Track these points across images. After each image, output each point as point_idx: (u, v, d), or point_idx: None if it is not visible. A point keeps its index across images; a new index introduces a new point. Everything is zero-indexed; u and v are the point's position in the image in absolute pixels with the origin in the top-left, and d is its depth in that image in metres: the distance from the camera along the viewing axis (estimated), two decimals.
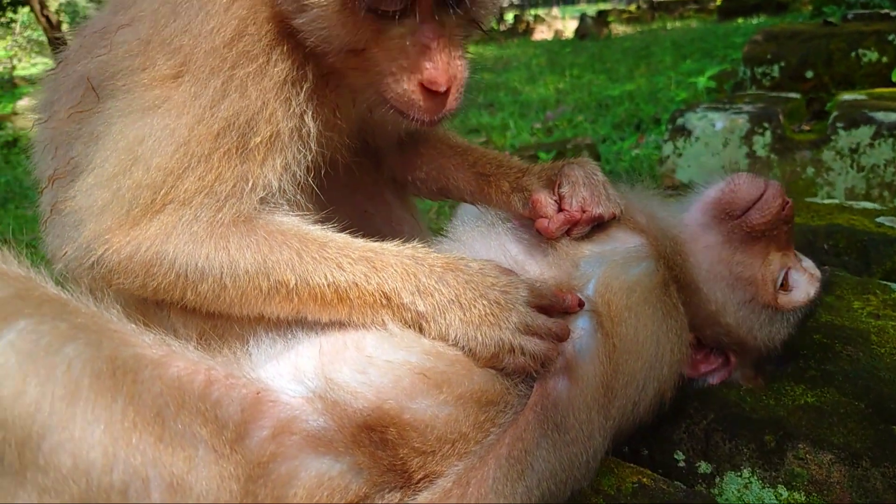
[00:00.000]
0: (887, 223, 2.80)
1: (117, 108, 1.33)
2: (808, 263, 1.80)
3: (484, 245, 1.72)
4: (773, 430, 1.65)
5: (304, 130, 1.37)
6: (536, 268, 1.63)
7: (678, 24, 18.18)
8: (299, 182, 1.41)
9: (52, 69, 1.67)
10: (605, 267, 1.57)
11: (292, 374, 1.33)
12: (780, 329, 1.72)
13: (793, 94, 5.11)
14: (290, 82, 1.34)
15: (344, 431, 1.25)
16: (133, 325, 1.25)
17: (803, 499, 1.57)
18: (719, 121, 4.59)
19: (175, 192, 1.29)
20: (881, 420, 1.64)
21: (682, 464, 1.72)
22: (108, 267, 1.29)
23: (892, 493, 1.50)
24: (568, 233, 1.63)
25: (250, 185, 1.32)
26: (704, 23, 17.47)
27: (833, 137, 4.22)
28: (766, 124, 4.46)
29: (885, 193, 4.05)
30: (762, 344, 1.73)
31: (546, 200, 1.62)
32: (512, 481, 1.27)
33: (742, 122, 4.52)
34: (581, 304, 1.45)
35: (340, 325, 1.39)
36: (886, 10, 6.32)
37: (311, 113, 1.38)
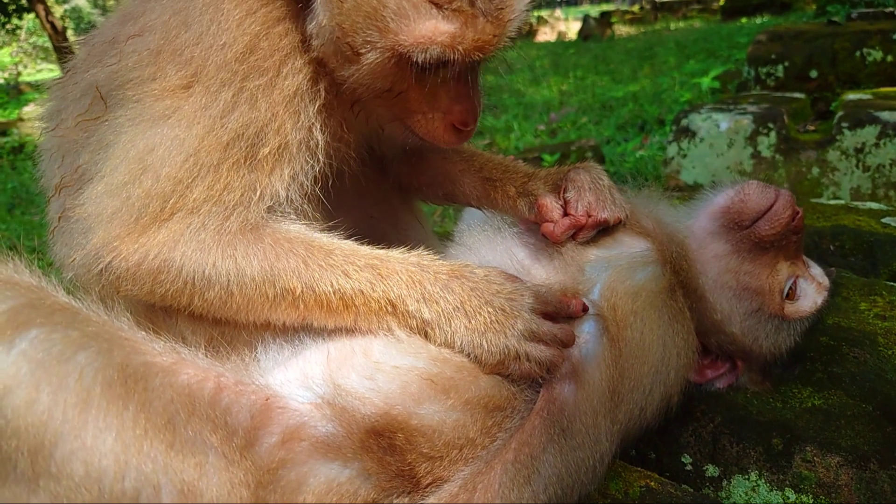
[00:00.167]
0: (893, 224, 2.79)
1: (127, 118, 1.35)
2: (816, 271, 1.79)
3: (490, 249, 1.72)
4: (780, 433, 1.65)
5: (312, 142, 1.40)
6: (542, 272, 1.64)
7: (681, 24, 18.15)
8: (306, 192, 1.42)
9: (59, 78, 1.69)
10: (610, 271, 1.57)
11: (301, 381, 1.34)
12: (787, 338, 1.71)
13: (797, 94, 5.10)
14: (299, 96, 1.36)
15: (352, 437, 1.25)
16: (143, 333, 1.26)
17: (811, 501, 1.57)
18: (724, 121, 4.58)
19: (184, 200, 1.30)
20: (889, 422, 1.63)
21: (689, 467, 1.73)
22: (116, 274, 1.31)
23: None
24: (573, 237, 1.63)
25: (258, 194, 1.34)
26: (708, 23, 17.44)
27: (838, 137, 4.21)
28: (770, 125, 4.45)
29: (891, 193, 4.03)
30: (768, 352, 1.72)
31: (551, 205, 1.63)
32: (518, 486, 1.28)
33: (747, 122, 4.51)
34: (585, 309, 1.45)
35: (348, 330, 1.40)
36: (891, 9, 6.30)
37: (319, 125, 1.40)
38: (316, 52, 1.35)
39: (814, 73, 5.48)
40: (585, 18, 18.57)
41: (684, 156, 4.68)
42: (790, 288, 1.70)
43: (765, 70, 5.68)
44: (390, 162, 1.92)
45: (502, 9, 1.27)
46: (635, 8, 23.31)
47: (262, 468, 1.17)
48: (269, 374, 1.36)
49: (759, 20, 14.81)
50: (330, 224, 1.49)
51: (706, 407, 1.75)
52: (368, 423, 1.26)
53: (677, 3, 21.35)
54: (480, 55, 1.29)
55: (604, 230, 1.66)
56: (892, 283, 2.33)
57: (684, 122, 4.71)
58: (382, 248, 1.42)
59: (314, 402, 1.29)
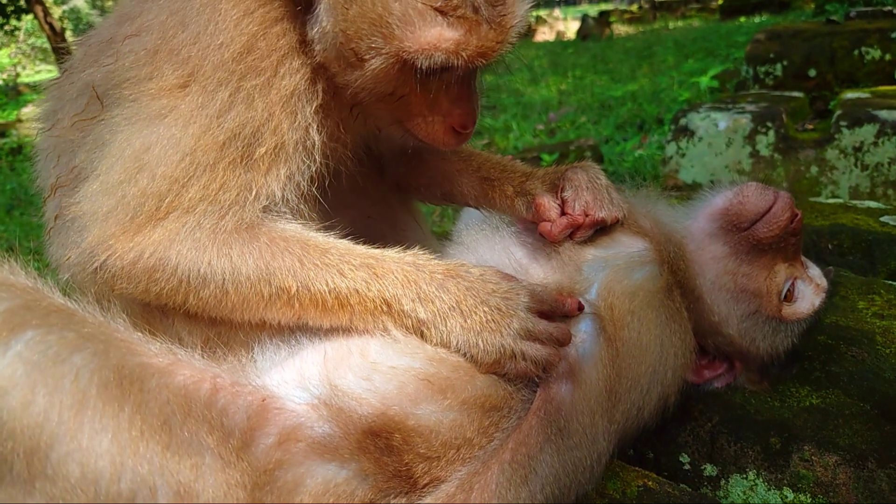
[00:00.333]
0: (892, 222, 2.79)
1: (123, 117, 1.35)
2: (814, 272, 1.78)
3: (488, 249, 1.72)
4: (778, 432, 1.65)
5: (308, 142, 1.40)
6: (540, 271, 1.64)
7: (680, 23, 18.15)
8: (302, 192, 1.42)
9: (56, 78, 1.69)
10: (608, 271, 1.57)
11: (297, 381, 1.34)
12: (784, 339, 1.71)
13: (796, 93, 5.10)
14: (296, 96, 1.36)
15: (349, 438, 1.25)
16: (139, 334, 1.26)
17: (809, 500, 1.57)
18: (722, 120, 4.58)
19: (179, 199, 1.30)
20: (887, 421, 1.63)
21: (687, 466, 1.72)
22: (112, 272, 1.31)
23: None
24: (571, 236, 1.63)
25: (253, 194, 1.34)
26: (706, 22, 17.44)
27: (837, 136, 4.21)
28: (769, 123, 4.45)
29: (890, 192, 4.03)
30: (765, 354, 1.72)
31: (549, 204, 1.63)
32: (515, 486, 1.27)
33: (745, 121, 4.51)
34: (581, 308, 1.45)
35: (345, 330, 1.40)
36: (889, 8, 6.30)
37: (316, 126, 1.40)
38: (318, 56, 1.35)
39: (812, 72, 5.48)
40: (584, 18, 18.56)
41: (683, 155, 4.68)
42: (788, 290, 1.70)
43: (763, 69, 5.68)
44: (388, 162, 1.92)
45: (505, 15, 1.28)
46: (634, 7, 23.31)
47: (258, 469, 1.17)
48: (265, 374, 1.36)
49: (757, 19, 14.81)
50: (327, 224, 1.49)
51: (704, 406, 1.75)
52: (365, 423, 1.26)
53: (676, 2, 21.34)
54: (483, 61, 1.31)
55: (601, 230, 1.66)
56: (890, 282, 2.33)
57: (683, 121, 4.71)
58: (378, 248, 1.42)
59: (311, 402, 1.29)
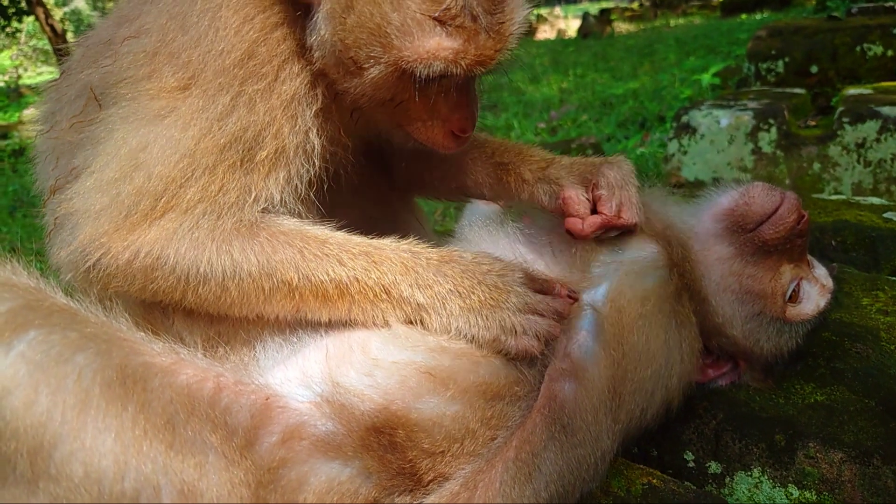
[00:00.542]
0: (895, 218, 2.79)
1: (120, 115, 1.35)
2: (820, 272, 1.76)
3: (492, 245, 1.71)
4: (783, 429, 1.64)
5: (308, 146, 1.40)
6: (545, 268, 1.63)
7: (681, 21, 18.12)
8: (300, 195, 1.42)
9: (55, 80, 1.68)
10: (619, 274, 1.55)
11: (300, 379, 1.34)
12: (788, 340, 1.70)
13: (798, 90, 5.09)
14: (297, 100, 1.37)
15: (352, 435, 1.25)
16: (142, 334, 1.26)
17: (814, 498, 1.57)
18: (724, 118, 4.57)
19: (177, 199, 1.30)
20: (892, 417, 1.62)
21: (691, 464, 1.72)
22: (106, 271, 1.30)
23: None
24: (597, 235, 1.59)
25: (252, 197, 1.35)
26: (707, 19, 17.41)
27: (839, 132, 4.20)
28: (771, 120, 4.44)
29: (893, 188, 4.02)
30: (769, 354, 1.71)
31: (579, 198, 1.58)
32: (520, 484, 1.27)
33: (747, 118, 4.50)
34: (571, 295, 1.45)
35: (346, 327, 1.40)
36: (891, 4, 6.28)
37: (316, 130, 1.41)
38: (317, 63, 1.36)
39: (814, 69, 5.46)
40: (585, 16, 18.53)
41: (685, 152, 4.68)
42: (793, 291, 1.68)
43: (765, 66, 5.66)
44: (398, 159, 1.90)
45: (503, 23, 1.28)
46: (635, 5, 23.28)
47: (262, 468, 1.17)
48: (268, 373, 1.36)
49: (758, 16, 14.78)
50: (328, 222, 1.49)
51: (708, 404, 1.75)
52: (368, 420, 1.26)
53: None
54: (482, 69, 1.31)
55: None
56: (894, 279, 2.32)
57: (685, 118, 4.71)
58: (374, 237, 1.43)
59: (314, 400, 1.29)
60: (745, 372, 1.80)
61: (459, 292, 1.37)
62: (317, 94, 1.40)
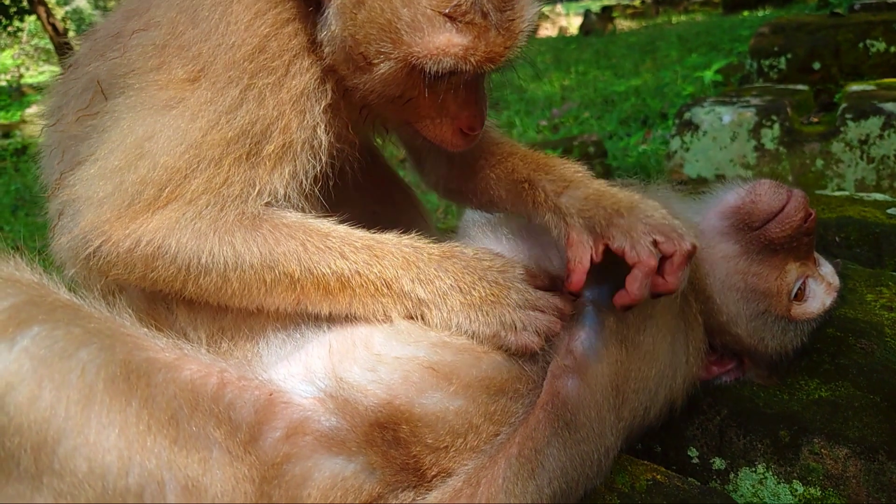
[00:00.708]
0: None
1: (127, 105, 1.35)
2: (826, 270, 1.75)
3: (494, 241, 1.71)
4: (787, 425, 1.63)
5: (315, 142, 1.40)
6: (548, 265, 1.63)
7: (683, 18, 18.08)
8: (305, 190, 1.42)
9: (62, 73, 1.68)
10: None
11: (303, 375, 1.34)
12: (793, 338, 1.69)
13: (801, 87, 5.07)
14: (306, 95, 1.36)
15: (356, 431, 1.25)
16: (145, 330, 1.26)
17: (819, 494, 1.56)
18: (727, 114, 4.56)
19: (181, 190, 1.30)
20: None
21: (695, 460, 1.72)
22: (106, 259, 1.30)
23: None
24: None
25: (257, 190, 1.34)
26: (710, 16, 17.37)
27: (842, 129, 4.19)
28: (774, 117, 4.43)
29: None
30: (774, 352, 1.70)
31: (579, 253, 1.41)
32: (522, 480, 1.27)
33: (750, 115, 4.49)
34: (573, 291, 1.40)
35: (349, 323, 1.40)
36: (894, 0, 6.27)
37: (324, 126, 1.40)
38: (327, 59, 1.35)
39: (817, 65, 5.45)
40: (586, 13, 18.51)
41: (687, 149, 4.67)
42: (799, 289, 1.67)
43: (767, 62, 5.65)
44: (433, 166, 1.86)
45: (513, 20, 1.28)
46: (636, 2, 23.21)
47: (266, 463, 1.17)
48: (271, 369, 1.36)
49: (760, 13, 14.74)
50: (332, 217, 1.49)
51: (712, 400, 1.74)
52: (372, 415, 1.26)
53: None
54: (492, 66, 1.31)
55: None
56: None
57: (687, 115, 4.70)
58: (376, 232, 1.42)
59: (317, 396, 1.29)
60: (749, 369, 1.79)
61: (460, 288, 1.37)
62: (326, 90, 1.40)
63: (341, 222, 1.45)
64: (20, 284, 1.16)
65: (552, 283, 1.44)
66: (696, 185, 2.67)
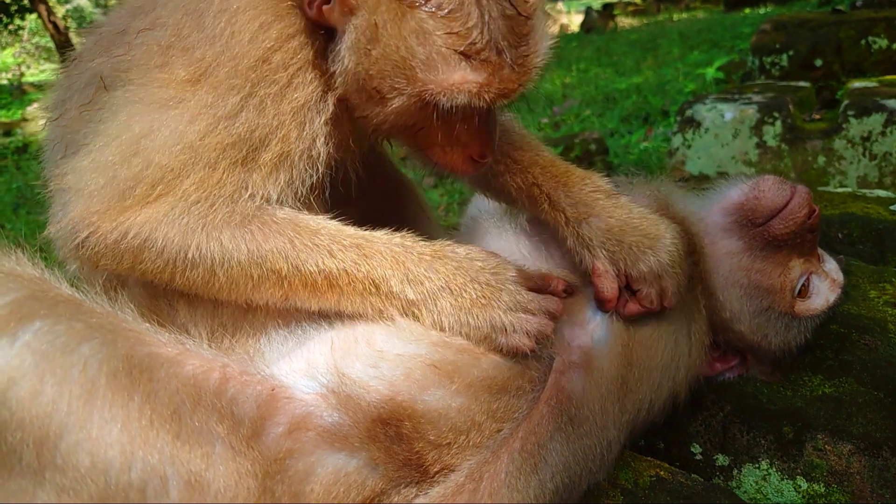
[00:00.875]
0: None
1: (126, 99, 1.34)
2: (830, 266, 1.74)
3: (496, 239, 1.71)
4: (791, 422, 1.63)
5: (314, 152, 1.39)
6: (548, 263, 1.62)
7: (684, 15, 18.05)
8: (301, 197, 1.42)
9: (66, 66, 1.68)
10: None
11: (305, 370, 1.34)
12: (797, 335, 1.68)
13: (802, 83, 5.06)
14: (307, 107, 1.36)
15: (359, 426, 1.25)
16: (147, 325, 1.25)
17: (823, 490, 1.56)
18: (729, 111, 4.55)
19: (172, 187, 1.30)
20: None
21: (699, 456, 1.71)
22: (94, 250, 1.30)
23: None
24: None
25: (249, 193, 1.34)
26: (711, 13, 17.33)
27: (844, 126, 4.18)
28: (776, 114, 4.42)
29: None
30: (777, 349, 1.69)
31: (607, 284, 1.48)
32: (525, 475, 1.27)
33: (752, 112, 4.48)
34: (568, 290, 1.44)
35: (351, 319, 1.39)
36: None
37: (323, 138, 1.40)
38: (338, 89, 1.36)
39: (819, 62, 5.44)
40: (588, 11, 18.48)
41: (689, 146, 4.66)
42: (802, 285, 1.66)
43: (769, 59, 5.64)
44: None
45: (527, 56, 1.29)
46: (638, 0, 23.20)
47: (269, 458, 1.16)
48: (273, 364, 1.35)
49: (762, 10, 14.71)
50: (333, 216, 1.48)
51: (716, 396, 1.74)
52: (374, 411, 1.25)
53: None
54: (505, 100, 1.32)
55: None
56: None
57: (689, 112, 4.69)
58: (367, 230, 1.42)
59: (319, 391, 1.28)
60: (752, 365, 1.79)
61: (451, 289, 1.36)
62: (328, 104, 1.40)
63: (337, 219, 1.44)
64: (22, 279, 1.16)
65: (546, 282, 1.43)
66: (698, 182, 2.67)
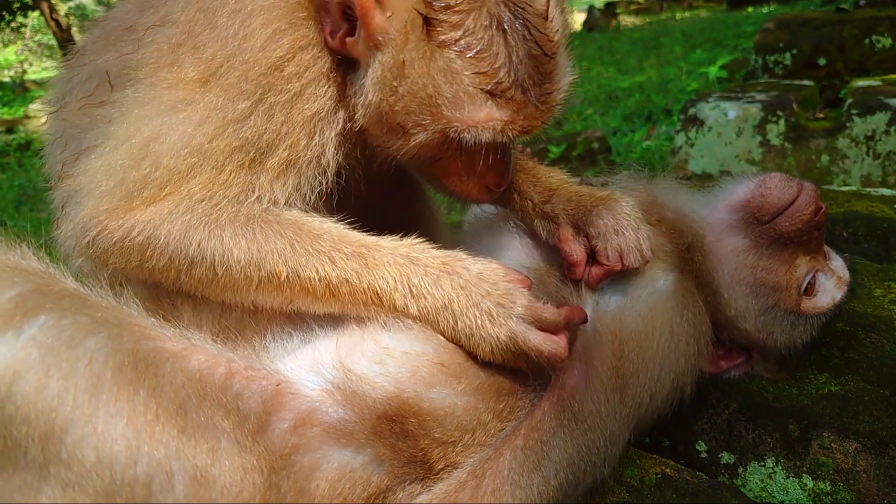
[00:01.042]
0: None
1: (136, 99, 1.34)
2: (837, 264, 1.73)
3: (496, 239, 1.70)
4: (796, 420, 1.62)
5: (323, 160, 1.39)
6: (548, 263, 1.62)
7: (687, 13, 18.03)
8: (307, 201, 1.41)
9: (68, 59, 1.67)
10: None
11: (311, 367, 1.33)
12: (803, 333, 1.67)
13: (806, 82, 5.05)
14: (317, 118, 1.35)
15: (364, 423, 1.24)
16: (153, 319, 1.25)
17: (829, 488, 1.55)
18: (732, 110, 4.55)
19: (178, 187, 1.30)
20: None
21: (704, 454, 1.71)
22: (103, 248, 1.31)
23: None
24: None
25: (255, 195, 1.34)
26: (714, 12, 17.31)
27: (848, 125, 4.17)
28: (779, 113, 4.42)
29: None
30: (783, 347, 1.69)
31: (573, 248, 1.52)
32: (528, 472, 1.26)
33: (755, 110, 4.48)
34: (585, 320, 1.39)
35: (356, 318, 1.38)
36: None
37: (332, 148, 1.39)
38: (358, 122, 1.36)
39: (822, 61, 5.43)
40: (590, 9, 18.47)
41: (692, 145, 4.65)
42: (808, 283, 1.65)
43: (772, 58, 5.63)
44: None
45: (550, 93, 1.30)
46: None
47: (274, 454, 1.16)
48: (279, 360, 1.35)
49: (765, 9, 14.69)
50: (341, 216, 1.47)
51: (721, 394, 1.73)
52: (380, 408, 1.25)
53: None
54: (527, 136, 1.33)
55: None
56: None
57: (692, 111, 4.68)
58: (374, 235, 1.39)
59: (325, 387, 1.28)
60: (758, 363, 1.78)
61: (452, 310, 1.32)
62: (339, 119, 1.39)
63: (343, 218, 1.43)
64: (27, 273, 1.15)
65: (560, 323, 1.33)
66: (701, 181, 2.66)
